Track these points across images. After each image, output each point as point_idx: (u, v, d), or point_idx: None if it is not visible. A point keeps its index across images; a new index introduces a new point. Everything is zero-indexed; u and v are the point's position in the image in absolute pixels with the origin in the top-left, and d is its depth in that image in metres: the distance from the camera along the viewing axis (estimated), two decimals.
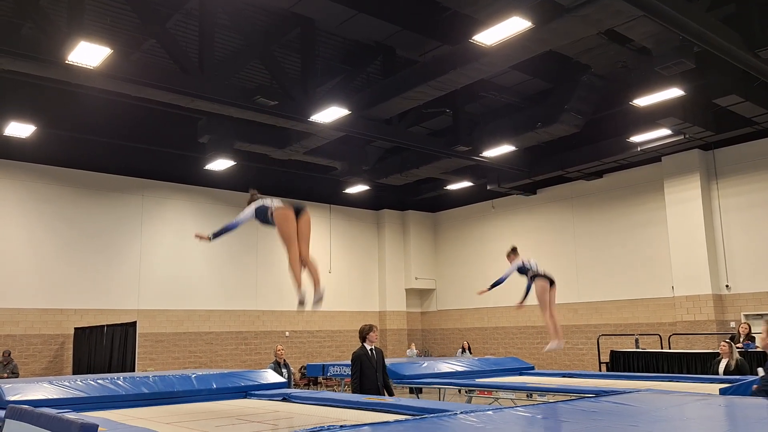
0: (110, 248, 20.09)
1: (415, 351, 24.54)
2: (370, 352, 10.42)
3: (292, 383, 16.10)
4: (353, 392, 10.24)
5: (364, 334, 10.51)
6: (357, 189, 23.07)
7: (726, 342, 12.19)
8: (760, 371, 6.93)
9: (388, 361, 11.35)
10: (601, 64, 15.00)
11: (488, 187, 22.72)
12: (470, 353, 22.54)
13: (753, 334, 15.24)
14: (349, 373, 13.78)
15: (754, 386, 6.98)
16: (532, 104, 18.40)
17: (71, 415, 4.81)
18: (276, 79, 15.23)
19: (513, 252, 12.47)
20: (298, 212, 8.13)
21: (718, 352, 12.69)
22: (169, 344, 20.79)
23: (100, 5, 14.00)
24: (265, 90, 14.95)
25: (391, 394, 10.43)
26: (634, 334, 18.09)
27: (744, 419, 5.23)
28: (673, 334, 18.33)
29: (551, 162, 20.56)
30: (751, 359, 12.57)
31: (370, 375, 10.32)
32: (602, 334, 18.88)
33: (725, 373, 11.61)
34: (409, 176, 21.25)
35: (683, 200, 19.36)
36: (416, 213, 27.58)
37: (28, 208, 18.82)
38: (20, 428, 5.06)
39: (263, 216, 8.19)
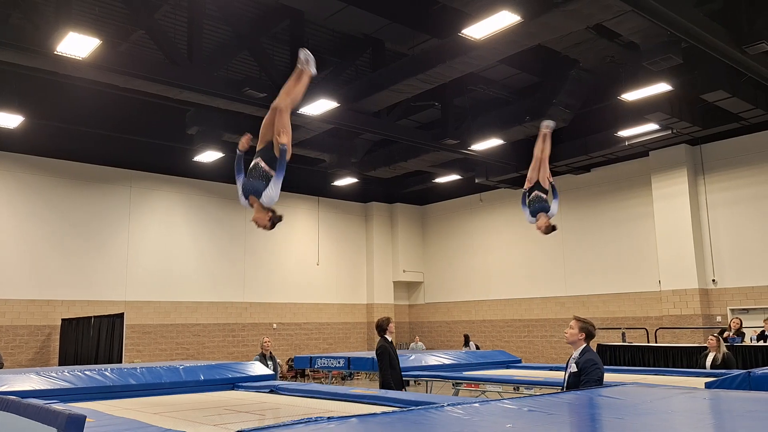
0: (98, 239, 20.02)
1: (421, 345, 24.34)
2: (391, 344, 10.39)
3: (279, 375, 16.10)
4: (382, 386, 10.13)
5: (384, 326, 10.35)
6: (345, 181, 23.05)
7: (714, 336, 12.26)
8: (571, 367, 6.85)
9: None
10: (589, 58, 15.03)
11: (476, 181, 22.76)
12: (465, 346, 22.30)
13: (744, 330, 15.33)
14: (337, 365, 13.85)
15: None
16: (521, 98, 18.44)
17: (59, 406, 4.80)
18: (265, 71, 15.21)
19: None
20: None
21: (704, 346, 12.77)
22: (156, 336, 20.75)
23: None
24: (253, 81, 14.92)
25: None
26: (620, 328, 18.19)
27: (729, 412, 5.27)
28: (660, 328, 18.45)
29: None
30: (736, 353, 12.66)
31: (396, 367, 10.25)
32: None
33: (712, 366, 11.68)
34: (397, 169, 21.27)
35: (670, 195, 19.45)
36: (404, 206, 27.61)
37: (16, 198, 18.73)
38: (7, 419, 5.05)
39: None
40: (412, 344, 24.72)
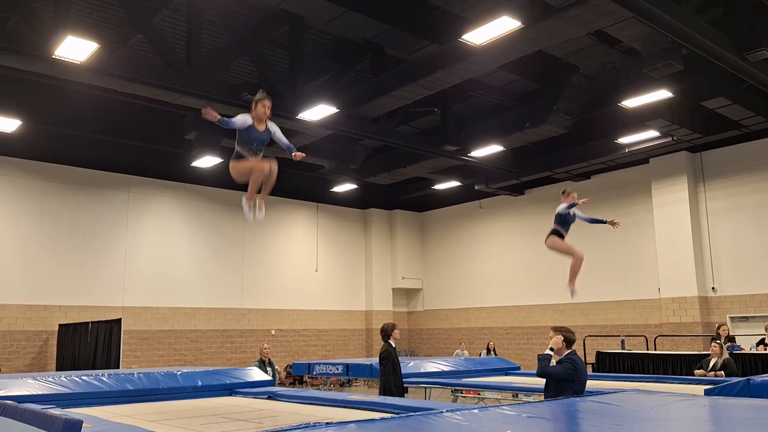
0: (95, 245, 19.96)
1: (465, 352, 23.68)
2: (395, 350, 10.44)
3: (277, 382, 16.05)
4: (383, 391, 10.14)
5: (389, 331, 10.45)
6: (344, 188, 23.02)
7: (717, 343, 12.29)
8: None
9: (374, 361, 11.35)
10: (589, 64, 15.02)
11: (476, 187, 22.72)
12: (493, 354, 21.87)
13: (734, 336, 15.31)
14: (336, 372, 13.80)
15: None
16: (521, 104, 18.41)
17: (56, 411, 4.77)
18: (264, 76, 15.17)
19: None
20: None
21: (703, 354, 12.79)
22: (154, 342, 20.68)
23: (87, 0, 13.91)
24: (252, 87, 14.88)
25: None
26: (620, 336, 18.12)
27: (728, 420, 5.24)
28: (659, 336, 18.40)
29: (539, 162, 20.57)
30: (736, 361, 12.63)
31: (398, 372, 10.32)
32: (588, 335, 18.91)
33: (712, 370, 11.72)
34: (396, 175, 21.22)
35: (670, 202, 19.40)
36: (403, 212, 27.55)
37: (13, 203, 18.67)
38: (4, 424, 5.01)
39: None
40: (457, 350, 24.31)
